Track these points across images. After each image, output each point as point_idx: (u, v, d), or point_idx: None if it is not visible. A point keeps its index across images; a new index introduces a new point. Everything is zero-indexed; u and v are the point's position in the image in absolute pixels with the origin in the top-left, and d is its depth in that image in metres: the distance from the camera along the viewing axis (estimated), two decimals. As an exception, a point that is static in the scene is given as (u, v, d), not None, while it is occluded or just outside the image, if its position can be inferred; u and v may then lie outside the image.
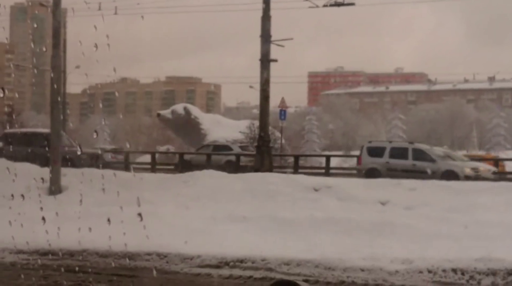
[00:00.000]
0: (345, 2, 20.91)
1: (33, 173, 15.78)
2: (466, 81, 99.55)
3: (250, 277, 9.26)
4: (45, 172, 15.97)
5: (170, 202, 13.35)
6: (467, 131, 72.15)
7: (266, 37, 19.02)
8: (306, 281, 8.20)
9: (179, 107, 45.51)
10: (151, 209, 13.11)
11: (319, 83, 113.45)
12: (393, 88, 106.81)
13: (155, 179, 16.71)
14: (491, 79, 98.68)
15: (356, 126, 72.87)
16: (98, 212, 12.57)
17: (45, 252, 10.39)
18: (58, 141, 15.61)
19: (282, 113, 37.81)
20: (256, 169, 17.73)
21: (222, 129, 39.50)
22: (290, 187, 14.50)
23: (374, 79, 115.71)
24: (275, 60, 19.86)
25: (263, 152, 18.16)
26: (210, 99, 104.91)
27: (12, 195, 11.15)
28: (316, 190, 14.38)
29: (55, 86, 17.32)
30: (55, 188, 14.75)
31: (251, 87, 60.39)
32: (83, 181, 13.65)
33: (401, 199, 13.79)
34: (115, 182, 14.52)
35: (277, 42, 20.04)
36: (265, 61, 18.99)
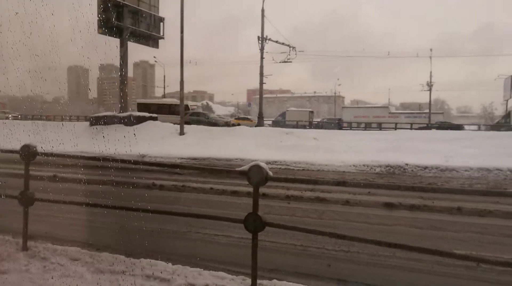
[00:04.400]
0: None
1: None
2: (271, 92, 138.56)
3: (275, 167, 17.13)
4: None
5: (228, 138, 23.13)
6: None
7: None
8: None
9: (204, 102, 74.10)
10: (222, 140, 24.93)
11: (252, 94, 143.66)
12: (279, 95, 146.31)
13: (218, 130, 26.72)
14: (291, 92, 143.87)
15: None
16: (204, 142, 25.20)
17: (192, 157, 22.69)
18: (183, 113, 25.81)
19: (249, 104, 64.10)
20: (257, 126, 31.25)
21: (217, 109, 69.61)
22: (275, 132, 24.61)
23: (273, 91, 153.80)
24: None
25: (261, 119, 32.95)
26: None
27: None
28: (287, 133, 24.06)
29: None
30: (181, 133, 24.71)
31: (232, 94, 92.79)
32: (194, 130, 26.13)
33: (322, 137, 24.20)
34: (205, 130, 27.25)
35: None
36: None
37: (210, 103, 72.51)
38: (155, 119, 27.77)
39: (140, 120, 26.24)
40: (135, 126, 25.02)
